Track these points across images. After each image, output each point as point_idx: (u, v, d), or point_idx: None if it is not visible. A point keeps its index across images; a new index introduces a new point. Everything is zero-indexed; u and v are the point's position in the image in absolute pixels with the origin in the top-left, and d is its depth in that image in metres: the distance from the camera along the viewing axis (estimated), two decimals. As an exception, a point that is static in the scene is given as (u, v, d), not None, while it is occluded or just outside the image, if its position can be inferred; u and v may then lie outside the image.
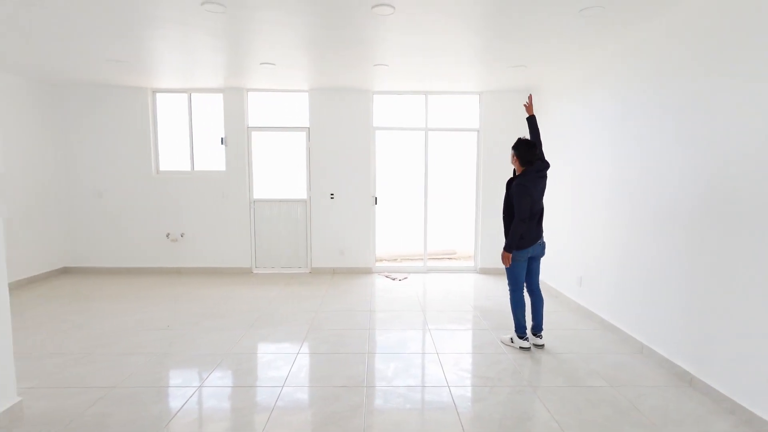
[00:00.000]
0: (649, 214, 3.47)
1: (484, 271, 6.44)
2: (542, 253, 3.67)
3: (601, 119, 4.22)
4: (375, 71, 5.13)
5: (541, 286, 5.35)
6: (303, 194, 6.43)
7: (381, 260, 7.00)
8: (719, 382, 2.76)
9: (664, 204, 3.29)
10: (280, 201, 6.43)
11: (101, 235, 6.31)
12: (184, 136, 6.31)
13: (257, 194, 6.42)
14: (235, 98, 6.14)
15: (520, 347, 3.60)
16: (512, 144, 3.58)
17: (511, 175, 3.67)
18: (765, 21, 2.46)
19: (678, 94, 3.16)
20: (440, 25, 3.62)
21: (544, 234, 3.70)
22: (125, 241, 6.33)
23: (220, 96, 6.20)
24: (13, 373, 2.54)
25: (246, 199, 6.32)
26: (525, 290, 3.68)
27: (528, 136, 3.74)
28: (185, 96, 6.23)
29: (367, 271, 6.44)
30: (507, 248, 3.50)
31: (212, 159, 6.35)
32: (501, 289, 5.46)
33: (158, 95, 6.25)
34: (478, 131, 6.38)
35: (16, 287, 5.34)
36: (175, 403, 2.73)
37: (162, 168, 6.38)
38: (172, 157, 6.38)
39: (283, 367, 3.25)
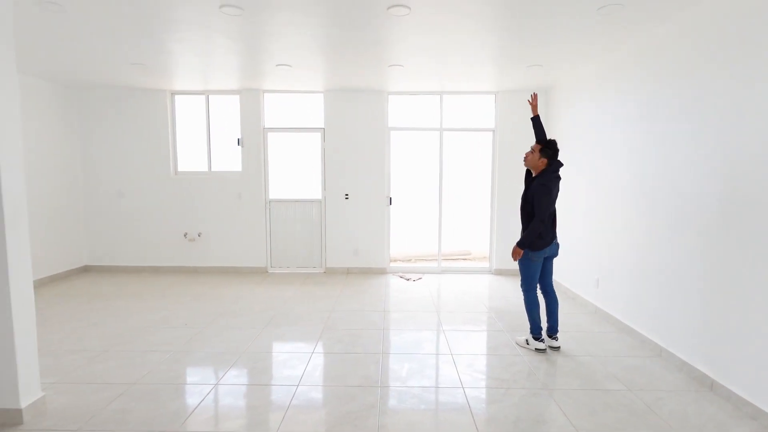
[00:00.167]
0: (666, 215, 3.41)
1: (500, 273, 6.40)
2: (556, 254, 3.65)
3: (617, 119, 4.15)
4: (390, 72, 5.13)
5: (558, 288, 5.33)
6: (318, 194, 6.47)
7: (395, 261, 7.00)
8: (741, 387, 2.70)
9: (681, 205, 3.23)
10: (296, 201, 6.48)
11: (121, 235, 6.44)
12: (202, 138, 6.41)
13: (273, 194, 6.48)
14: (251, 100, 6.20)
15: (536, 349, 3.57)
16: (535, 142, 3.54)
17: (529, 173, 3.64)
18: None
19: (695, 94, 3.11)
20: (456, 25, 3.61)
21: (557, 234, 3.67)
22: (144, 240, 6.45)
23: (237, 97, 6.27)
24: (36, 369, 2.61)
25: (262, 200, 6.38)
26: (539, 291, 3.65)
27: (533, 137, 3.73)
28: (203, 98, 6.32)
29: (381, 272, 6.45)
30: (521, 245, 3.46)
31: (229, 160, 6.43)
32: (516, 290, 5.41)
33: (177, 97, 6.36)
34: (493, 131, 6.34)
35: (38, 285, 5.47)
36: (192, 400, 2.77)
37: (180, 169, 6.48)
38: (189, 158, 6.48)
39: (298, 366, 3.28)
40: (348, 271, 6.46)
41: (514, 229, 5.74)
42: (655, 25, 3.47)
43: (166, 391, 2.89)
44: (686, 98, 3.21)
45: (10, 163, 2.40)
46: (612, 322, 4.21)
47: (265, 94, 6.29)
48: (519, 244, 3.48)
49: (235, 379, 3.07)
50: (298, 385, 2.97)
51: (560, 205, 3.60)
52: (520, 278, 3.66)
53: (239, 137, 6.29)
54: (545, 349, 3.57)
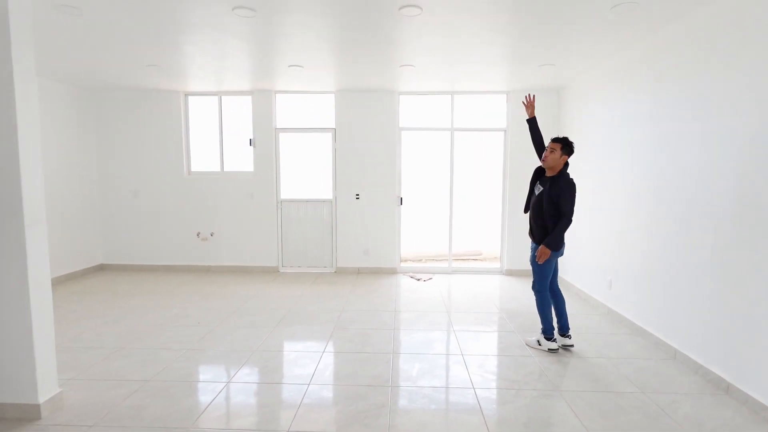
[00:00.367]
0: (680, 216, 3.36)
1: (511, 273, 6.36)
2: (563, 253, 3.61)
3: (629, 118, 4.11)
4: (401, 72, 5.14)
5: (570, 289, 5.33)
6: (329, 194, 6.50)
7: (406, 261, 7.00)
8: (758, 390, 2.66)
9: (695, 205, 3.19)
10: (307, 201, 6.52)
11: (135, 234, 6.54)
12: (215, 138, 6.48)
13: (284, 194, 6.52)
14: (263, 100, 6.25)
15: (549, 349, 3.54)
16: (551, 141, 3.46)
17: (537, 174, 3.61)
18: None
19: (705, 94, 3.07)
20: (467, 25, 3.60)
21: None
22: (158, 239, 6.53)
23: (249, 98, 6.33)
24: (54, 366, 2.66)
25: (273, 199, 6.43)
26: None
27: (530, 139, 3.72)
28: (216, 99, 6.39)
29: (391, 272, 6.45)
30: (551, 245, 3.36)
31: (241, 160, 6.48)
32: (528, 291, 5.38)
33: (190, 98, 6.43)
34: (505, 131, 6.31)
35: (55, 283, 5.57)
36: (205, 398, 2.81)
37: (193, 169, 6.56)
38: (202, 159, 6.55)
39: (309, 365, 3.30)
40: (359, 271, 6.47)
41: (526, 230, 5.71)
42: (667, 24, 3.43)
43: (180, 388, 2.93)
44: (696, 98, 3.16)
45: (29, 164, 2.46)
46: (625, 324, 4.16)
47: (276, 95, 6.34)
48: (548, 245, 3.38)
49: (247, 377, 3.10)
50: (309, 384, 2.99)
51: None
52: (532, 279, 3.63)
53: (251, 137, 6.35)
54: (557, 349, 3.55)
